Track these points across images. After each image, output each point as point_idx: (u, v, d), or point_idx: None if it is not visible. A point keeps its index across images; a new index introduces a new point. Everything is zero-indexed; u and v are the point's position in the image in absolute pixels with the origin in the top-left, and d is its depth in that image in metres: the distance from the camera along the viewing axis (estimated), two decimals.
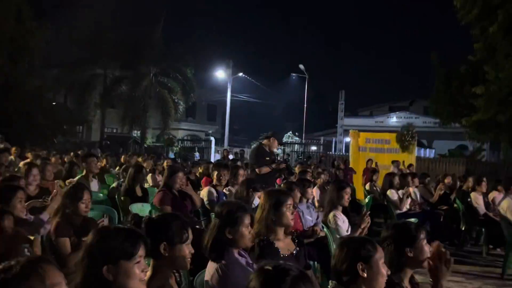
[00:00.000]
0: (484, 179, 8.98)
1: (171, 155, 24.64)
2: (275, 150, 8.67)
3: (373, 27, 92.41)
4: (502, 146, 21.24)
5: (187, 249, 2.54)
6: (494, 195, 8.56)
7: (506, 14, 15.18)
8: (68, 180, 6.79)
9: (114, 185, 7.35)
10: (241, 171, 7.38)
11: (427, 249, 2.80)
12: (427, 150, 28.90)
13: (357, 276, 2.34)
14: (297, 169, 10.43)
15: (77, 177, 7.11)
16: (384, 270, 2.39)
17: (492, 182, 9.34)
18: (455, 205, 8.82)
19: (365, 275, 2.33)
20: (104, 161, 11.31)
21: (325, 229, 5.17)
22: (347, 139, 24.08)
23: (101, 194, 6.93)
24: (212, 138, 27.98)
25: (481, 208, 8.35)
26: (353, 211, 6.31)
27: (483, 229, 7.89)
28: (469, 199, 8.62)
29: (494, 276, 6.61)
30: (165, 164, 10.95)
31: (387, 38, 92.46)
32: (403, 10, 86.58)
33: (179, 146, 29.42)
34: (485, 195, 8.69)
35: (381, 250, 2.44)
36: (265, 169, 7.83)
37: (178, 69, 29.04)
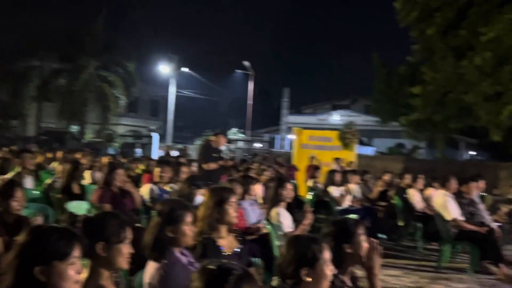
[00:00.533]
0: (421, 176, 9.35)
1: (111, 151, 24.02)
2: (222, 147, 8.72)
3: (319, 26, 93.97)
4: (437, 144, 22.21)
5: (126, 249, 2.45)
6: (430, 191, 8.90)
7: (443, 17, 15.84)
8: (0, 177, 6.45)
9: (48, 181, 7.05)
10: (184, 168, 7.29)
11: (366, 246, 2.84)
12: (368, 147, 29.71)
13: (301, 280, 2.33)
14: (241, 166, 10.46)
15: (10, 174, 6.78)
16: (329, 271, 2.39)
17: (429, 179, 9.73)
18: (393, 201, 9.09)
19: (309, 279, 2.32)
20: (40, 157, 10.84)
21: (268, 226, 5.17)
22: (291, 136, 24.39)
23: (36, 192, 6.64)
24: (155, 134, 27.51)
25: (418, 204, 8.67)
26: (296, 207, 6.38)
27: (420, 225, 8.17)
28: (406, 195, 8.93)
29: (430, 270, 6.86)
30: (104, 160, 10.62)
31: (332, 38, 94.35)
32: (348, 10, 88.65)
33: (120, 142, 28.73)
34: (421, 191, 9.04)
35: (327, 249, 2.44)
36: (213, 165, 7.88)
37: (120, 62, 28.34)
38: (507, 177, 17.22)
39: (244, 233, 4.46)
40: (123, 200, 5.55)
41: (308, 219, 4.83)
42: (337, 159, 12.79)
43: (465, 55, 15.22)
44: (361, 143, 23.97)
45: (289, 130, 30.16)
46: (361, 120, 28.16)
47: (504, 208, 9.79)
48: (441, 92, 16.42)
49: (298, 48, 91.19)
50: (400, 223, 8.71)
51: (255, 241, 4.77)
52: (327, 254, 2.41)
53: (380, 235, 7.70)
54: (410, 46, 18.22)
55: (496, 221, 7.72)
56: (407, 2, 16.76)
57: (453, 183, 7.33)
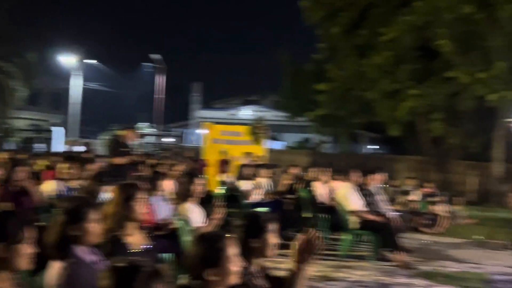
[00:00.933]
0: (326, 169, 9.76)
1: (10, 146, 22.54)
2: (131, 142, 8.55)
3: (231, 22, 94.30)
4: (341, 139, 23.25)
5: (27, 249, 2.35)
6: (334, 184, 9.33)
7: (346, 17, 16.59)
8: None
9: None
10: (91, 164, 7.06)
11: (274, 241, 2.92)
12: (277, 142, 30.38)
13: (207, 280, 2.34)
14: (151, 161, 10.28)
15: None
16: (235, 267, 2.40)
17: (333, 172, 10.16)
18: (300, 194, 9.40)
19: (215, 278, 2.33)
20: None
21: (178, 221, 5.15)
22: (202, 131, 24.30)
23: None
24: (60, 128, 26.19)
25: (322, 196, 9.05)
26: (207, 202, 6.40)
27: (324, 216, 8.51)
28: (310, 188, 9.28)
29: (333, 259, 7.18)
30: (1, 156, 9.96)
31: (243, 33, 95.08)
32: (258, 7, 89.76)
33: (20, 137, 27.04)
34: (326, 184, 9.43)
35: (233, 244, 2.45)
36: (121, 160, 7.70)
37: (19, 53, 26.58)
38: (404, 169, 18.48)
39: (153, 229, 4.43)
40: (23, 198, 5.28)
41: (219, 213, 4.88)
42: (247, 154, 12.98)
43: (366, 54, 16.06)
44: (271, 137, 24.53)
45: (200, 124, 30.06)
46: (271, 115, 28.65)
47: (401, 199, 10.52)
48: (344, 89, 17.21)
49: (210, 43, 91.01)
50: (307, 215, 9.03)
51: (165, 237, 4.74)
52: (232, 250, 2.42)
53: (288, 228, 7.94)
54: (316, 44, 18.91)
55: (396, 210, 8.27)
56: (313, 1, 17.33)
57: (355, 176, 7.75)
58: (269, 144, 16.68)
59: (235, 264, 2.40)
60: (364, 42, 16.15)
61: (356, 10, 16.41)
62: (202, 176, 7.47)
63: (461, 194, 13.73)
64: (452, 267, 7.18)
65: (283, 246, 3.03)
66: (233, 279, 2.40)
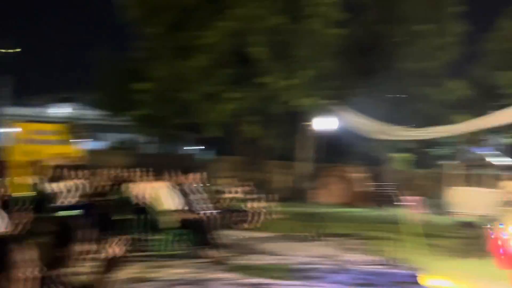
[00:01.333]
0: (146, 169, 9.68)
1: None
2: None
3: (49, 18, 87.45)
4: (163, 139, 23.25)
5: None
6: (153, 184, 9.28)
7: (166, 18, 16.62)
8: None
9: None
10: None
11: (82, 248, 2.84)
12: (96, 142, 29.15)
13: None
14: None
15: None
16: (27, 274, 2.28)
17: (153, 172, 10.13)
18: (117, 196, 9.17)
19: (7, 283, 2.19)
20: None
21: None
22: (9, 129, 22.16)
23: None
24: None
25: (139, 197, 8.94)
26: (9, 206, 5.90)
27: (142, 216, 8.43)
28: (127, 189, 9.11)
29: (149, 259, 7.15)
30: None
31: (61, 30, 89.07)
32: (74, 3, 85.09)
33: None
34: (146, 184, 9.35)
35: (26, 250, 2.32)
36: None
37: None
38: (224, 169, 19.25)
39: None
40: None
41: (24, 217, 4.55)
42: (61, 154, 12.28)
43: (186, 56, 16.31)
44: (89, 137, 23.39)
45: (6, 122, 27.38)
46: (89, 114, 27.42)
47: (219, 197, 10.98)
48: (164, 89, 17.19)
49: (25, 37, 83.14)
50: (122, 217, 8.82)
51: None
52: (24, 256, 2.30)
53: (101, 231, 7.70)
54: (136, 42, 18.60)
55: (213, 208, 8.58)
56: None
57: (173, 176, 7.86)
58: (86, 144, 15.94)
59: (26, 270, 2.28)
60: (184, 44, 16.36)
61: (176, 12, 16.53)
62: (3, 178, 6.84)
63: (274, 192, 14.79)
64: (262, 260, 7.71)
65: (94, 250, 2.98)
66: (26, 286, 2.28)
